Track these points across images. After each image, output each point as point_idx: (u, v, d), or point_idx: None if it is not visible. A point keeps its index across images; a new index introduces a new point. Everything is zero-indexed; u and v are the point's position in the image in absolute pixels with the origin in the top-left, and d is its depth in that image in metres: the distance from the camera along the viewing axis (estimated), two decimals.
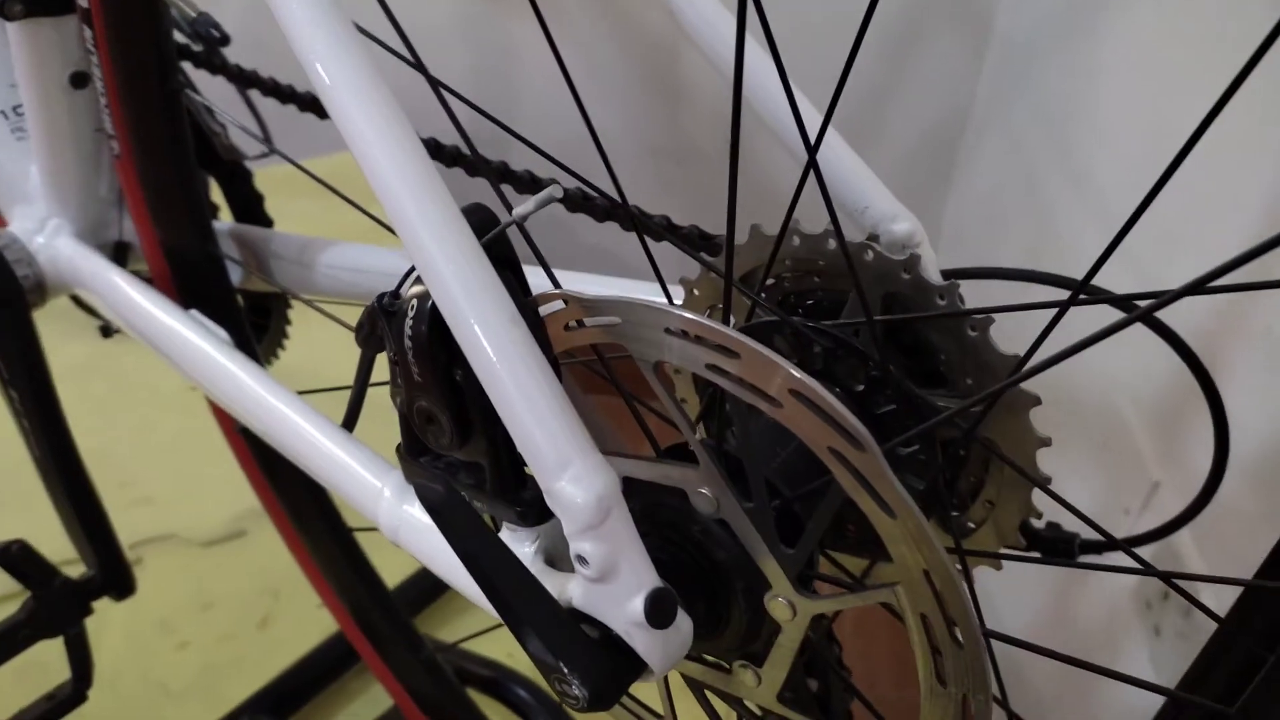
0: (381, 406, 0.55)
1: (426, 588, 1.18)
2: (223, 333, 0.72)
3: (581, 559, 0.41)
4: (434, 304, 0.45)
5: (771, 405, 0.39)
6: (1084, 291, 0.42)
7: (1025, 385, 0.48)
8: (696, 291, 0.58)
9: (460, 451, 0.48)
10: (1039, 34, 1.44)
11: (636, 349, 0.42)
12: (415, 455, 0.52)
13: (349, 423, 0.61)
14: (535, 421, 0.41)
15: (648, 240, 0.56)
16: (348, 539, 0.94)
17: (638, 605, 0.42)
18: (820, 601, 0.43)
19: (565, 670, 0.41)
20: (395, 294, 0.52)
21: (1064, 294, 0.47)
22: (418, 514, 0.52)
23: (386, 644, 0.96)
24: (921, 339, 0.52)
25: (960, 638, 0.39)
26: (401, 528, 0.53)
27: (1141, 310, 0.37)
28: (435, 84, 0.51)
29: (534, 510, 0.48)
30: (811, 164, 0.47)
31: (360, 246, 0.82)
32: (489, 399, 0.46)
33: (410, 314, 0.46)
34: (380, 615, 0.96)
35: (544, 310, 0.45)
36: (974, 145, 1.70)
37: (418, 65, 0.51)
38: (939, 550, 0.38)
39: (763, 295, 0.54)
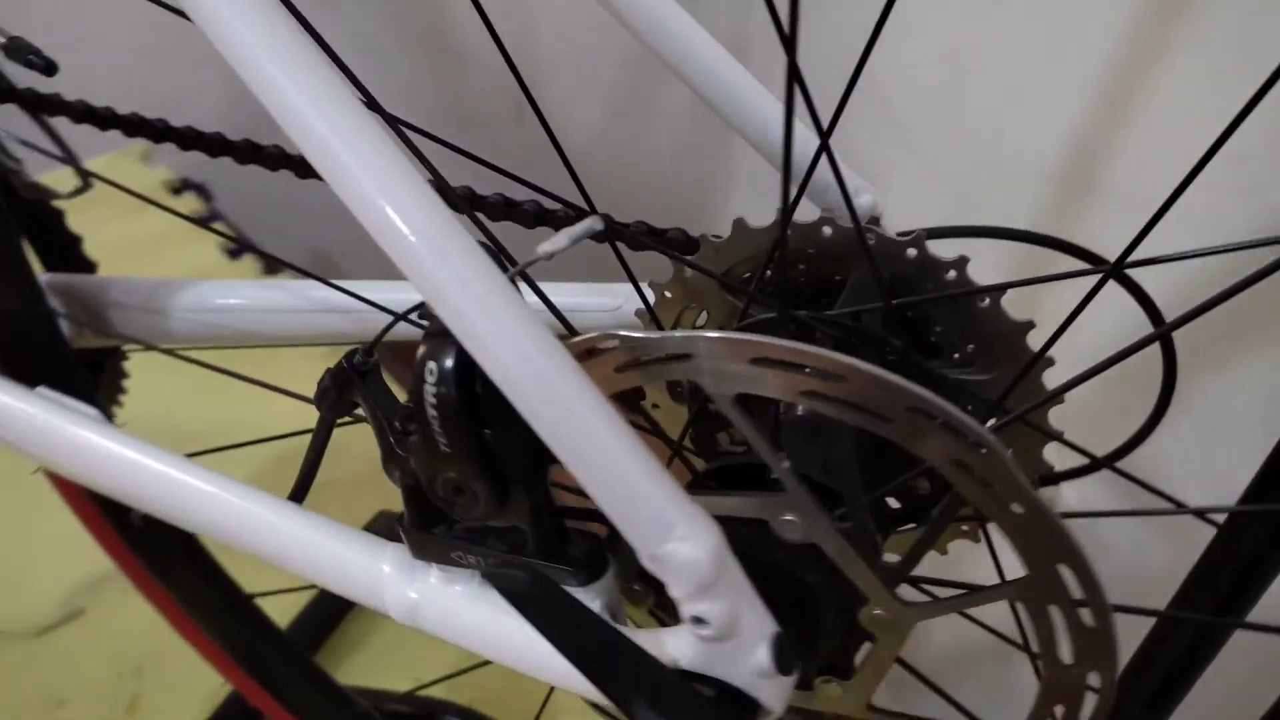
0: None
1: (312, 626, 1.09)
2: (90, 410, 0.62)
3: (699, 620, 0.38)
4: (457, 363, 0.40)
5: (876, 420, 0.37)
6: (1114, 267, 0.42)
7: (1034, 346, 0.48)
8: (669, 294, 0.55)
9: (496, 518, 0.43)
10: None
11: (712, 383, 0.39)
12: (424, 528, 0.46)
13: (297, 496, 0.54)
14: (630, 484, 0.37)
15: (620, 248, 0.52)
16: (231, 588, 0.84)
17: (762, 656, 0.39)
18: (927, 608, 0.41)
19: None
20: (369, 350, 0.46)
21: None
22: (439, 590, 0.47)
23: (304, 706, 0.87)
24: (921, 314, 0.51)
25: (1086, 618, 0.39)
26: (422, 609, 0.47)
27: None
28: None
29: (587, 567, 0.44)
30: (824, 148, 0.44)
31: (217, 284, 0.72)
32: (528, 459, 0.42)
33: (430, 378, 0.40)
34: (289, 672, 0.88)
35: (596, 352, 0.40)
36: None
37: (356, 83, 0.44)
38: (1071, 536, 0.37)
39: (752, 289, 0.51)
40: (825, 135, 0.44)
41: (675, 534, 0.37)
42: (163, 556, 0.79)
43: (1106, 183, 0.84)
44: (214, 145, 0.69)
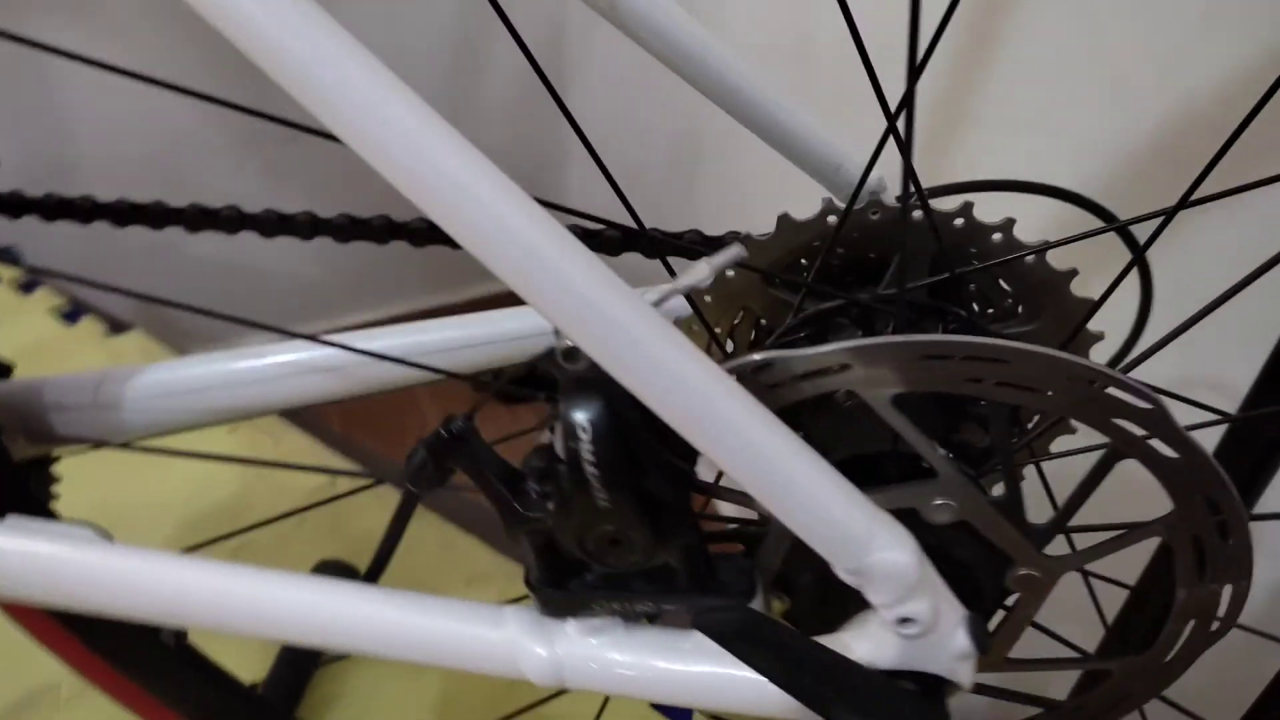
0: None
1: (285, 686, 1.02)
2: (82, 529, 0.56)
3: (906, 620, 0.39)
4: (612, 417, 0.38)
5: (1032, 395, 0.39)
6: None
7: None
8: (709, 298, 0.54)
9: (650, 561, 0.42)
10: None
11: (869, 389, 0.39)
12: (558, 584, 0.45)
13: (374, 575, 0.51)
14: (825, 505, 0.37)
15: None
16: (212, 670, 0.78)
17: (962, 640, 0.40)
18: (1073, 559, 0.43)
19: None
20: (468, 416, 0.44)
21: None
22: (582, 643, 0.45)
23: None
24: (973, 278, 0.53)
25: (1223, 533, 0.42)
26: (568, 667, 0.45)
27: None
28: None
29: (742, 591, 0.44)
30: (891, 130, 0.45)
31: (164, 366, 0.66)
32: (677, 495, 0.41)
33: (585, 436, 0.39)
34: None
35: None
36: (580, 62, 1.72)
37: None
38: (1219, 469, 0.40)
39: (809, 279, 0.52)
40: (893, 119, 0.45)
41: (877, 545, 0.37)
42: (129, 649, 0.72)
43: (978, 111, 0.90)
44: (14, 205, 0.63)
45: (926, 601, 0.38)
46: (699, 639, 0.44)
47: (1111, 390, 0.38)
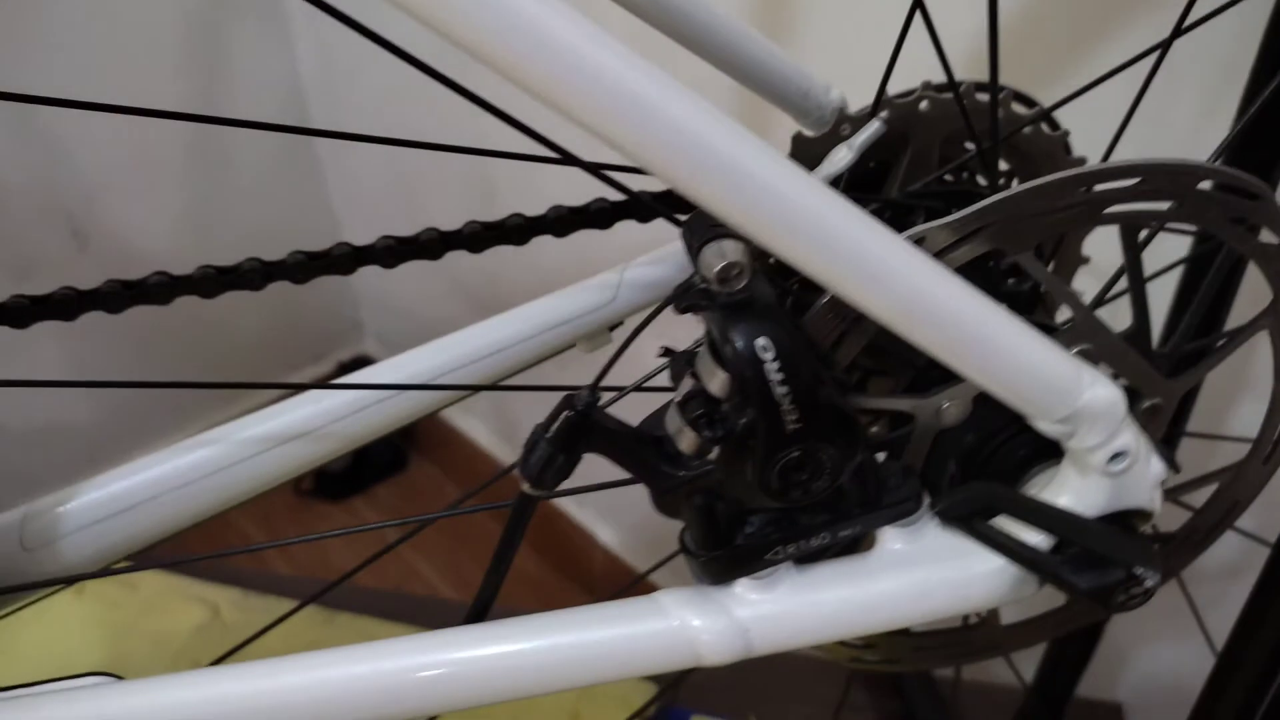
0: None
1: None
2: (92, 677, 0.46)
3: (1119, 455, 0.38)
4: (794, 330, 0.36)
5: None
6: None
7: None
8: None
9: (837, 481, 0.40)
10: None
11: (1012, 242, 0.39)
12: (721, 545, 0.41)
13: (482, 610, 0.45)
14: (1031, 357, 0.36)
15: None
16: None
17: (1157, 465, 0.40)
18: (1192, 374, 0.45)
19: (1136, 572, 0.39)
20: (593, 388, 0.40)
21: None
22: (765, 602, 0.42)
23: None
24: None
25: None
26: (755, 632, 0.41)
27: None
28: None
29: (915, 498, 0.42)
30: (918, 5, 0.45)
31: (96, 483, 0.57)
32: (848, 404, 0.39)
33: (769, 356, 0.36)
34: None
35: None
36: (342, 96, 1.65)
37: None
38: None
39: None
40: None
41: (1085, 384, 0.37)
42: None
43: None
44: None
45: (1131, 431, 0.38)
46: (879, 554, 0.42)
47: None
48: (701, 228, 0.37)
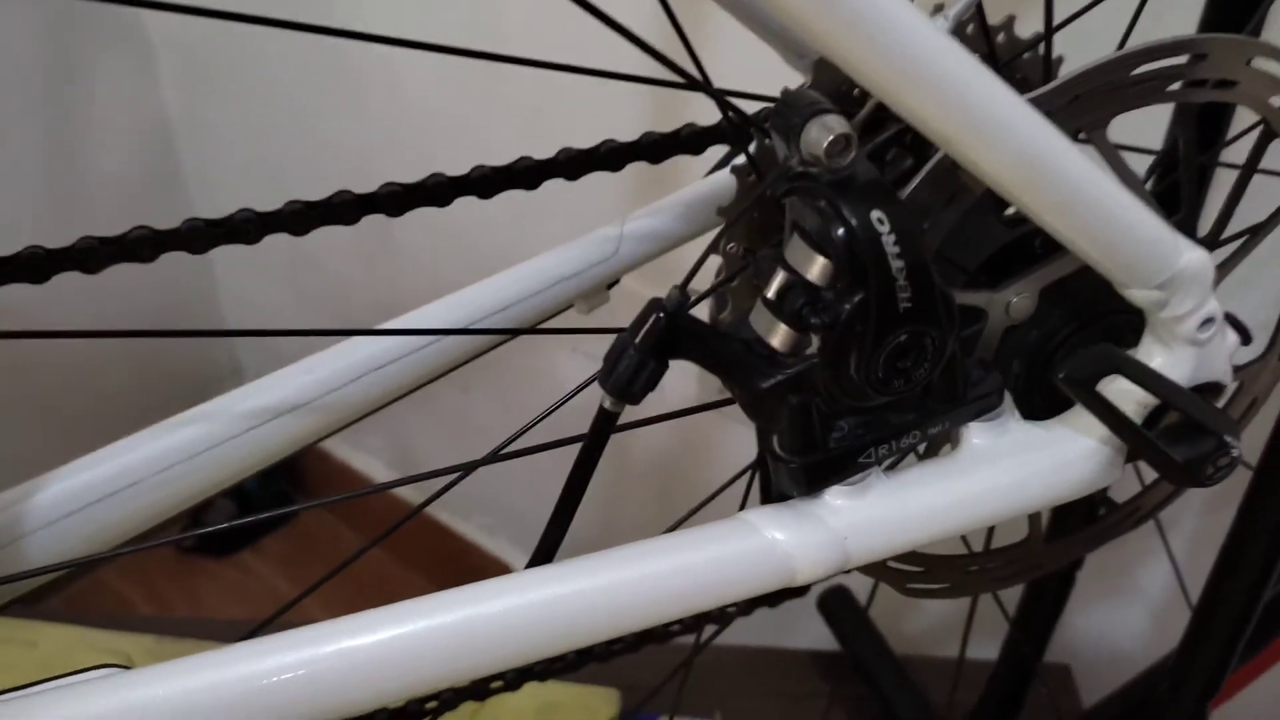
0: None
1: None
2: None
3: (1209, 322, 0.39)
4: (898, 202, 0.35)
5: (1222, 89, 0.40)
6: None
7: None
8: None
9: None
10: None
11: (1095, 124, 0.39)
12: (814, 449, 0.40)
13: (551, 547, 0.42)
14: (1142, 220, 0.36)
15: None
16: None
17: (1231, 335, 0.41)
18: (1232, 261, 0.46)
19: (1227, 440, 0.39)
20: (684, 288, 0.38)
21: None
22: (860, 509, 0.40)
23: None
24: None
25: None
26: (853, 541, 0.40)
27: None
28: None
29: (991, 393, 0.41)
30: None
31: (76, 467, 0.51)
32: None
33: (884, 228, 0.35)
34: None
35: None
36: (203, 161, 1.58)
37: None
38: None
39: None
40: None
41: (1181, 247, 0.37)
42: None
43: None
44: None
45: (1214, 299, 0.39)
46: (966, 451, 0.41)
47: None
48: (800, 106, 0.35)
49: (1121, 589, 1.05)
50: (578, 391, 0.42)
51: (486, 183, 0.52)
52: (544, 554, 0.42)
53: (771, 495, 0.46)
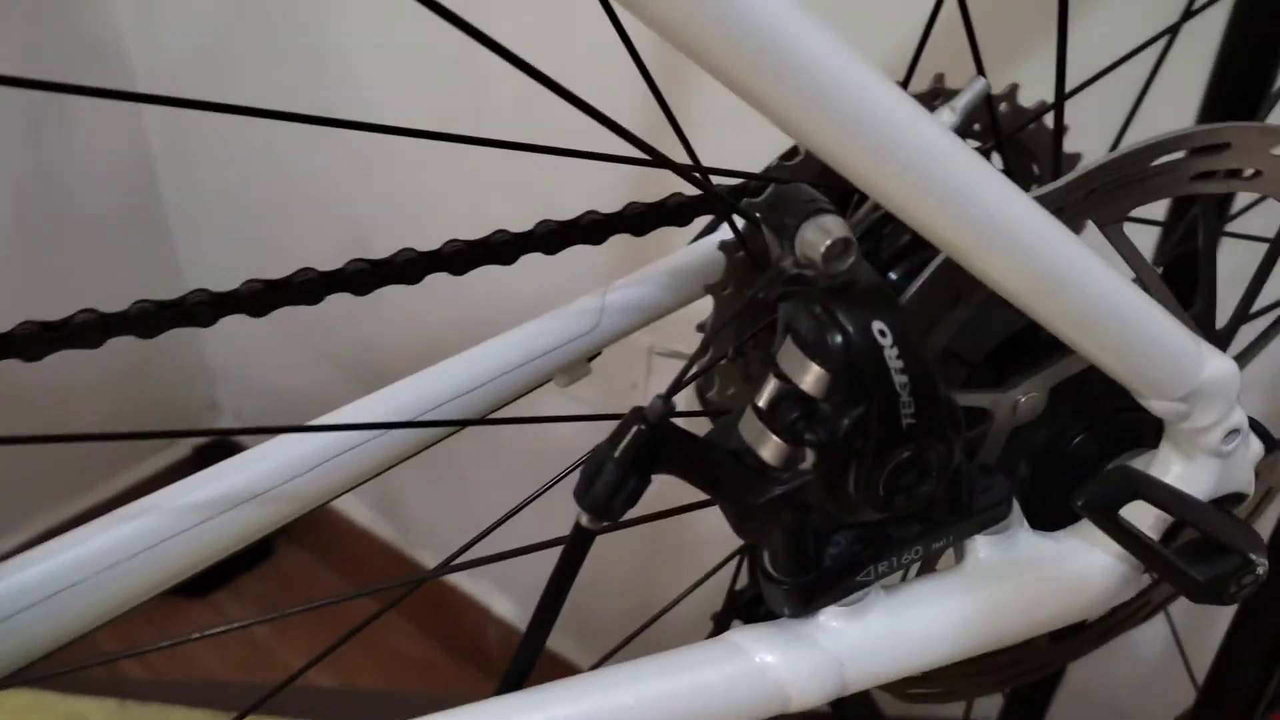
0: None
1: None
2: None
3: (1233, 433, 0.36)
4: (901, 316, 0.32)
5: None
6: None
7: None
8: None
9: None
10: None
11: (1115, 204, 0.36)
12: (809, 568, 0.37)
13: (522, 673, 0.39)
14: (1165, 330, 0.34)
15: None
16: None
17: (1256, 444, 0.38)
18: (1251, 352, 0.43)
19: (1251, 558, 0.36)
20: (668, 398, 0.35)
21: None
22: (856, 632, 0.37)
23: None
24: None
25: None
26: (850, 667, 0.36)
27: None
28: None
29: (996, 504, 0.38)
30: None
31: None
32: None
33: (886, 340, 0.32)
34: None
35: None
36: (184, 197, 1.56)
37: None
38: None
39: None
40: None
41: (1205, 357, 0.35)
42: None
43: None
44: None
45: (1239, 408, 0.36)
46: (972, 566, 0.38)
47: None
48: (795, 204, 0.33)
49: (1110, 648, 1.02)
50: (558, 481, 0.39)
51: (460, 259, 0.49)
52: (517, 677, 0.39)
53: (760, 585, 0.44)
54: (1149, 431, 0.42)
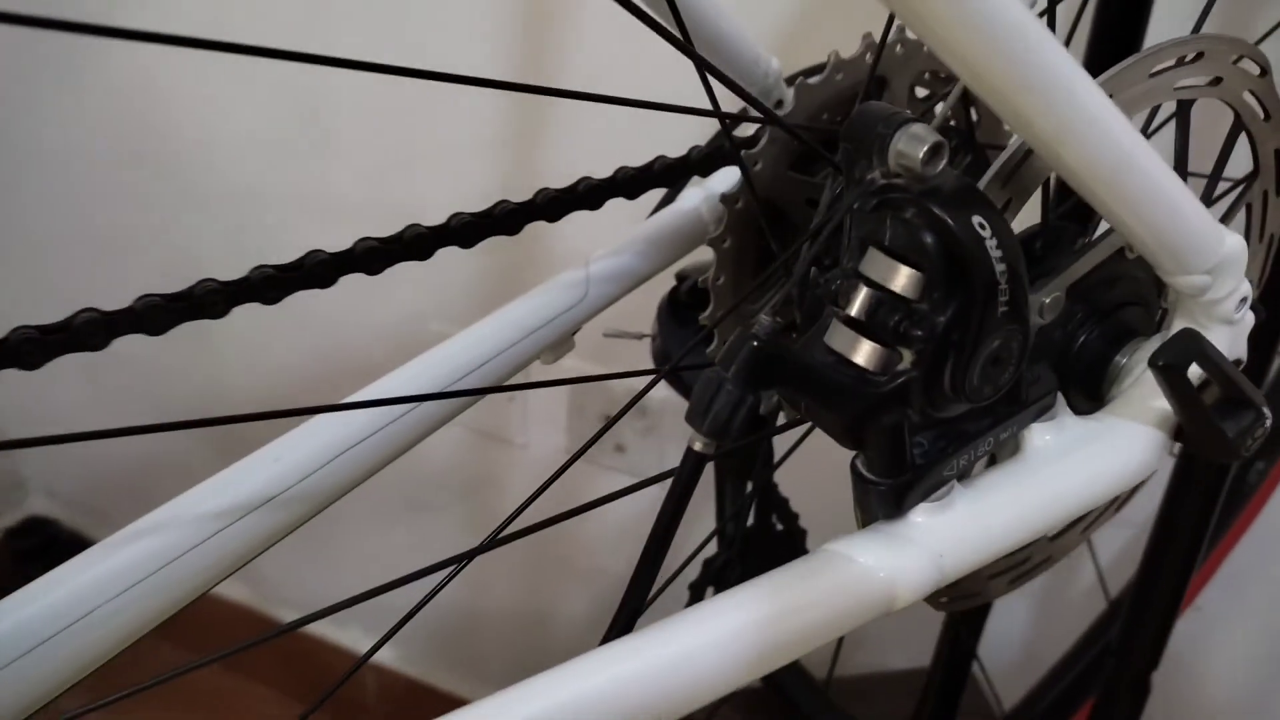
0: None
1: None
2: None
3: (1243, 301, 0.41)
4: (995, 207, 0.35)
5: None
6: None
7: None
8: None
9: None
10: None
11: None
12: (902, 469, 0.39)
13: (634, 614, 0.39)
14: (1192, 207, 0.38)
15: None
16: None
17: (1249, 314, 0.43)
18: None
19: (1264, 413, 0.41)
20: (775, 312, 0.36)
21: None
22: (949, 525, 0.39)
23: None
24: None
25: None
26: (947, 558, 0.39)
27: None
28: None
29: (1046, 394, 0.42)
30: None
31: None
32: None
33: (986, 232, 0.35)
34: None
35: None
36: None
37: None
38: None
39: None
40: None
41: (1224, 232, 0.39)
42: None
43: None
44: None
45: (1246, 280, 0.41)
46: (1033, 452, 0.42)
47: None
48: (885, 117, 0.35)
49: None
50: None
51: (324, 270, 0.45)
52: (627, 621, 0.38)
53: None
54: (1144, 324, 0.47)
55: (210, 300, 0.42)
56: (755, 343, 0.35)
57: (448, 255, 0.48)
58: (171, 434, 0.36)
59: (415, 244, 0.47)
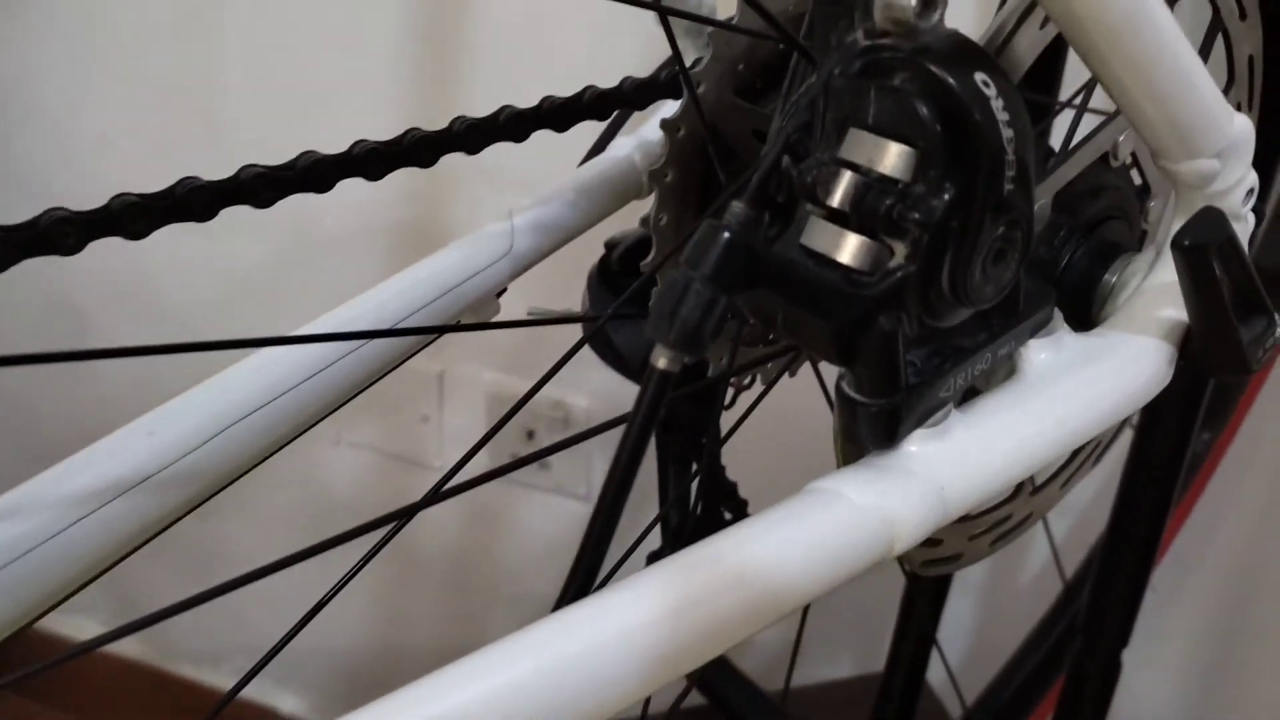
0: None
1: None
2: None
3: (1250, 192, 0.37)
4: (1001, 72, 0.30)
5: None
6: None
7: None
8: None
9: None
10: None
11: None
12: (897, 388, 0.33)
13: (590, 571, 0.33)
14: (1206, 83, 0.34)
15: None
16: None
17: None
18: None
19: (1275, 316, 0.38)
20: (750, 202, 0.31)
21: None
22: (946, 453, 0.34)
23: None
24: None
25: None
26: (949, 489, 0.33)
27: None
28: None
29: (1044, 306, 0.37)
30: None
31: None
32: None
33: (990, 91, 0.30)
34: None
35: None
36: None
37: None
38: None
39: None
40: None
41: (1232, 112, 0.35)
42: None
43: None
44: None
45: (1253, 171, 0.37)
46: (1031, 371, 0.37)
47: None
48: None
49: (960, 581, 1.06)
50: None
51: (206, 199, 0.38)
52: (583, 583, 0.32)
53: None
54: (1130, 239, 0.43)
55: (61, 231, 0.35)
56: (728, 234, 0.29)
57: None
58: None
59: (311, 173, 0.40)
